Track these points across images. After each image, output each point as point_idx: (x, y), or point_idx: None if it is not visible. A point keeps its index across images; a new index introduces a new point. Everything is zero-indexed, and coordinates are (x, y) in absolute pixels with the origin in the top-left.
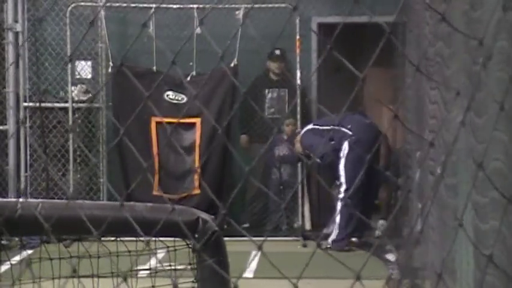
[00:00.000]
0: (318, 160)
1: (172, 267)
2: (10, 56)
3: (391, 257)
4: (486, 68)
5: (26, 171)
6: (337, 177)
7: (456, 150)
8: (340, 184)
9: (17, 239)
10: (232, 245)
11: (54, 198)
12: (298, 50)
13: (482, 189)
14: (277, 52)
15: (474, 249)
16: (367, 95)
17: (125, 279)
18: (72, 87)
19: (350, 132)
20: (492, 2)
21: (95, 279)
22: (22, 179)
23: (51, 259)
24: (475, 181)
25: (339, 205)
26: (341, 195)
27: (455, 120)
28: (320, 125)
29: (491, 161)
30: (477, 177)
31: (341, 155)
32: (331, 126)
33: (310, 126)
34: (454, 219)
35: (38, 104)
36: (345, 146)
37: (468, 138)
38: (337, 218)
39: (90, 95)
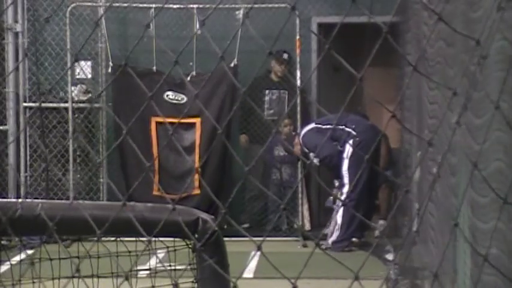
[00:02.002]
0: (318, 162)
1: (172, 267)
2: (10, 56)
3: (391, 257)
4: (484, 68)
5: (26, 171)
6: (340, 177)
7: (455, 151)
8: (342, 185)
9: (17, 239)
10: (232, 245)
11: (54, 199)
12: (298, 50)
13: (481, 189)
14: (285, 56)
15: (471, 249)
16: (367, 94)
17: (127, 279)
18: (72, 87)
19: (354, 133)
20: (490, 1)
21: (95, 279)
22: (22, 179)
23: (51, 259)
24: (472, 181)
25: (339, 206)
26: (343, 197)
27: (453, 120)
28: (323, 124)
29: (492, 161)
30: (474, 177)
31: (344, 155)
32: (334, 126)
33: (311, 126)
34: (452, 219)
35: (38, 104)
36: (349, 147)
37: (467, 138)
38: (339, 219)
39: (90, 95)
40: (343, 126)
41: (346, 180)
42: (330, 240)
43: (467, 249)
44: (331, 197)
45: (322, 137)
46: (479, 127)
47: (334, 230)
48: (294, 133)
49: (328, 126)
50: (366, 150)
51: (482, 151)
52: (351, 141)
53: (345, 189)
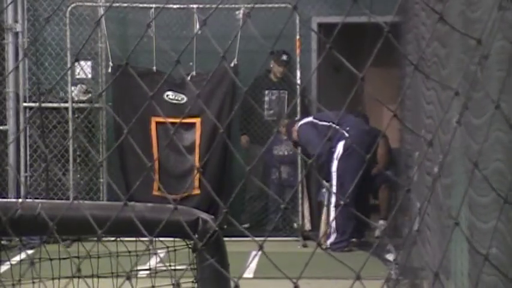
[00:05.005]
0: (307, 158)
1: (172, 268)
2: (10, 56)
3: (391, 257)
4: (484, 67)
5: (26, 171)
6: (328, 178)
7: (452, 150)
8: (331, 186)
9: (17, 239)
10: (232, 245)
11: (54, 199)
12: (298, 50)
13: (481, 189)
14: (284, 57)
15: (469, 248)
16: (367, 94)
17: (128, 279)
18: (72, 87)
19: (347, 134)
20: (488, 1)
21: (95, 279)
22: (22, 179)
23: (51, 259)
24: (472, 181)
25: (332, 208)
26: (332, 199)
27: (451, 120)
28: (319, 120)
29: (492, 161)
30: (474, 177)
31: (335, 156)
32: (330, 123)
33: (309, 119)
34: (449, 219)
35: (38, 104)
36: (339, 148)
37: (465, 138)
38: (333, 222)
39: (90, 95)
40: (338, 127)
41: (334, 181)
42: (328, 242)
43: (464, 248)
44: (323, 190)
45: (315, 133)
46: (478, 127)
47: (331, 232)
48: (296, 118)
49: (324, 123)
50: (356, 154)
51: (482, 151)
52: (342, 143)
53: (333, 190)
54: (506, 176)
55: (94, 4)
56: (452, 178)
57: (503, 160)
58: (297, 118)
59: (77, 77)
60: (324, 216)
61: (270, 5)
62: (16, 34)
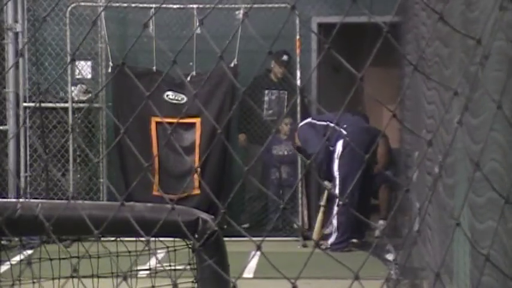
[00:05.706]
0: (306, 158)
1: (172, 268)
2: (10, 56)
3: (391, 257)
4: (483, 67)
5: (25, 171)
6: (332, 178)
7: (453, 151)
8: (334, 186)
9: (17, 239)
10: (232, 245)
11: (54, 199)
12: (298, 50)
13: (478, 189)
14: (285, 58)
15: (471, 249)
16: (367, 94)
17: (125, 279)
18: (72, 87)
19: (344, 132)
20: (488, 2)
21: (95, 279)
22: (22, 179)
23: (51, 259)
24: (471, 181)
25: (334, 208)
26: (336, 198)
27: (452, 120)
28: (318, 120)
29: (487, 161)
30: (473, 177)
31: (335, 156)
32: (328, 123)
33: (308, 120)
34: (451, 219)
35: (38, 104)
36: (339, 147)
37: (464, 138)
38: (334, 221)
39: (90, 95)
40: (336, 126)
41: (337, 181)
42: (329, 241)
43: (467, 249)
44: (324, 196)
45: (313, 132)
46: (476, 127)
47: (332, 232)
48: (297, 123)
49: (321, 123)
50: (356, 152)
51: (478, 151)
52: (341, 141)
53: (336, 190)
54: (502, 176)
55: (94, 4)
56: (455, 178)
57: (498, 160)
58: (297, 122)
59: (77, 77)
60: (319, 217)
61: (269, 5)
62: (16, 34)
